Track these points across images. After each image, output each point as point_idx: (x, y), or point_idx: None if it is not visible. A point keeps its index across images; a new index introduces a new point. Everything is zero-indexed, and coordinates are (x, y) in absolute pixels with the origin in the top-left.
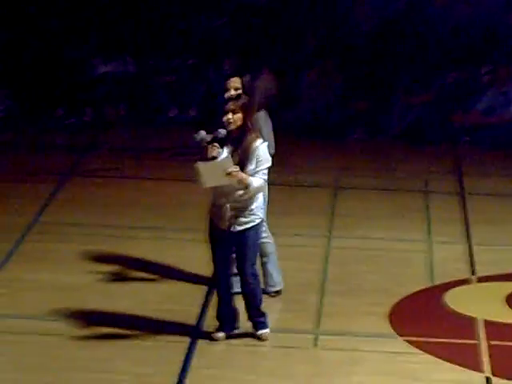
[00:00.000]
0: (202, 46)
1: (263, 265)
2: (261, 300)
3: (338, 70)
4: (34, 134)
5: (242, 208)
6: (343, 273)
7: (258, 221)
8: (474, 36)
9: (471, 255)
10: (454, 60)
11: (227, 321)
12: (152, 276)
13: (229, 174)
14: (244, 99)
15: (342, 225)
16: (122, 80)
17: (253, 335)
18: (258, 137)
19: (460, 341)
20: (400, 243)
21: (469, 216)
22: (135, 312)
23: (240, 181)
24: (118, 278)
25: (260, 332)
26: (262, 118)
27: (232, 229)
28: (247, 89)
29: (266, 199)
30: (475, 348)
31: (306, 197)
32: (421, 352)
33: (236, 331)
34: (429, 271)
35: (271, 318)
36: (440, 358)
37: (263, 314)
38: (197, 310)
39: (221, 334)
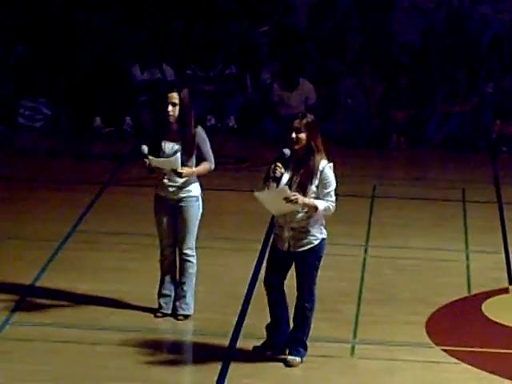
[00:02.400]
0: (241, 55)
1: (181, 284)
2: (310, 328)
3: (377, 80)
4: (73, 142)
5: (301, 229)
6: (380, 282)
7: (316, 242)
8: None
9: (509, 264)
10: (493, 70)
11: (271, 338)
12: None
13: (288, 200)
14: (308, 118)
15: (379, 234)
16: (160, 89)
17: (284, 359)
18: (323, 158)
19: (498, 350)
20: (437, 252)
21: (506, 225)
22: (171, 320)
23: (305, 205)
24: (156, 286)
25: (291, 358)
26: (200, 134)
27: (291, 250)
28: (185, 103)
29: None
30: None
31: (343, 205)
32: (458, 361)
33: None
34: (466, 280)
35: None
36: (477, 367)
37: (305, 344)
38: (234, 319)
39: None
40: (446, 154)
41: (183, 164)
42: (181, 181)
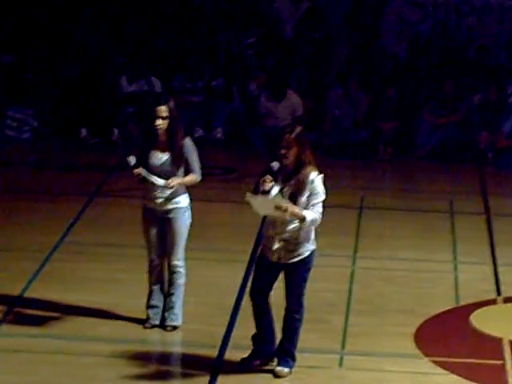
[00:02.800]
0: (228, 66)
1: (170, 295)
2: (298, 338)
3: (364, 91)
4: (60, 154)
5: (293, 240)
6: (368, 293)
7: (307, 253)
8: (500, 57)
9: (497, 275)
10: (480, 81)
11: (257, 348)
12: None
13: (279, 209)
14: (297, 130)
15: (368, 245)
16: (147, 101)
17: (272, 370)
18: (313, 169)
19: (486, 361)
20: (425, 264)
21: (494, 236)
22: (160, 331)
23: (293, 215)
24: (144, 297)
25: (280, 368)
26: (188, 146)
27: (282, 261)
28: (173, 114)
29: None
30: (501, 368)
31: (331, 217)
32: (446, 372)
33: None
34: (454, 291)
35: None
36: (466, 378)
37: (293, 355)
38: (222, 330)
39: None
40: (434, 165)
41: (171, 175)
42: (169, 192)
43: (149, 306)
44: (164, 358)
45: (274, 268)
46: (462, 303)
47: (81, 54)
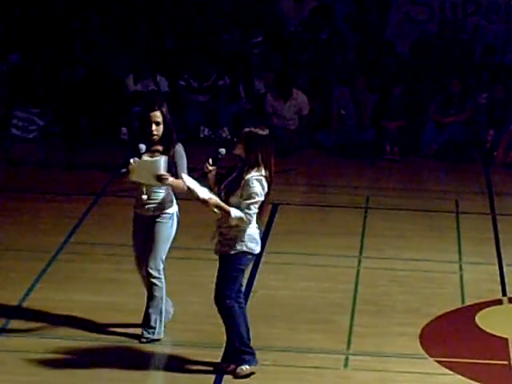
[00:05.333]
0: (234, 65)
1: (146, 308)
2: (240, 334)
3: (370, 90)
4: (66, 153)
5: (224, 235)
6: (374, 293)
7: (233, 252)
8: (506, 56)
9: (502, 275)
10: (486, 80)
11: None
12: (183, 296)
13: (159, 176)
14: (247, 130)
15: (373, 245)
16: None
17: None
18: (252, 169)
19: (491, 361)
20: (431, 263)
21: (500, 236)
22: (166, 332)
23: (215, 207)
24: None
25: (239, 369)
26: (179, 152)
27: (215, 253)
28: (167, 119)
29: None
30: (507, 368)
31: (337, 217)
32: (452, 373)
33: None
34: (460, 291)
35: (302, 339)
36: (471, 378)
37: (243, 351)
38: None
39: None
40: (440, 164)
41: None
42: (160, 197)
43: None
44: (169, 358)
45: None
46: (468, 303)
47: (87, 54)
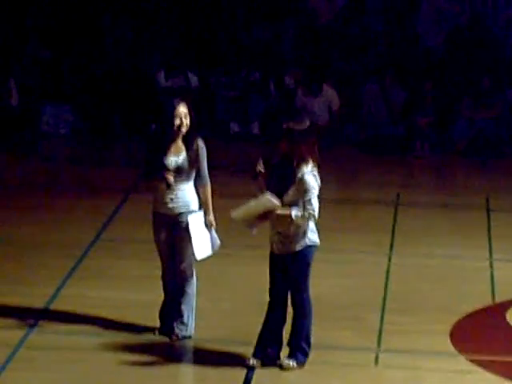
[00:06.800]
0: (264, 60)
1: (178, 304)
2: (307, 334)
3: (401, 85)
4: (97, 150)
5: (284, 233)
6: (404, 290)
7: (299, 248)
8: None
9: None
10: None
11: (263, 346)
12: (213, 293)
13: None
14: (286, 127)
15: (403, 242)
16: (184, 95)
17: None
18: (302, 165)
19: None
20: (461, 260)
21: None
22: (197, 329)
23: (278, 216)
24: None
25: (287, 361)
26: (202, 147)
27: (279, 253)
28: (191, 115)
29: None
30: None
31: (367, 213)
32: (482, 370)
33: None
34: (490, 289)
35: (331, 336)
36: (502, 376)
37: (302, 349)
38: (257, 328)
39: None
40: (471, 161)
41: (184, 176)
42: (185, 196)
43: (160, 314)
44: (200, 354)
45: (277, 260)
46: (498, 300)
47: (118, 50)
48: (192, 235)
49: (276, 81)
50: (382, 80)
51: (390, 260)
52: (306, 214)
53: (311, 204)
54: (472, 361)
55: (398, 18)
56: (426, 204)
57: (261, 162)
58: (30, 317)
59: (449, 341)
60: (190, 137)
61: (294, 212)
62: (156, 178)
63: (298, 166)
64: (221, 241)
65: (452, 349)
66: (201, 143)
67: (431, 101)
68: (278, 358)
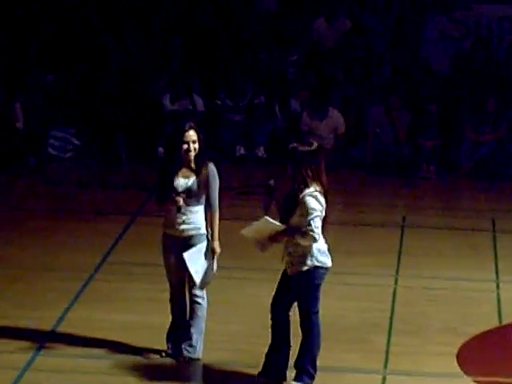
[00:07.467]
0: (270, 84)
1: (188, 327)
2: (314, 358)
3: (406, 108)
4: (103, 172)
5: (293, 254)
6: (411, 312)
7: (305, 268)
8: None
9: None
10: None
11: (273, 366)
12: (219, 315)
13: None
14: (290, 149)
15: (410, 264)
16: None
17: None
18: (305, 187)
19: None
20: (468, 282)
21: None
22: (205, 351)
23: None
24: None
25: (293, 383)
26: (213, 171)
27: (288, 273)
28: (200, 138)
29: None
30: None
31: (373, 235)
32: None
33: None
34: (497, 310)
35: (338, 358)
36: None
37: (307, 372)
38: (264, 350)
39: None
40: (476, 183)
41: (194, 199)
42: (196, 218)
43: (168, 337)
44: (208, 377)
45: (287, 279)
46: (505, 322)
47: (123, 74)
48: (191, 271)
49: (281, 104)
50: (387, 103)
51: (396, 282)
52: (306, 234)
53: (311, 225)
54: (478, 382)
55: (402, 41)
56: (432, 226)
57: (272, 182)
58: (37, 339)
59: (455, 362)
60: (200, 161)
61: (299, 233)
62: (168, 201)
63: (300, 187)
64: (218, 268)
65: (459, 370)
66: (212, 168)
67: (436, 123)
68: (285, 379)
